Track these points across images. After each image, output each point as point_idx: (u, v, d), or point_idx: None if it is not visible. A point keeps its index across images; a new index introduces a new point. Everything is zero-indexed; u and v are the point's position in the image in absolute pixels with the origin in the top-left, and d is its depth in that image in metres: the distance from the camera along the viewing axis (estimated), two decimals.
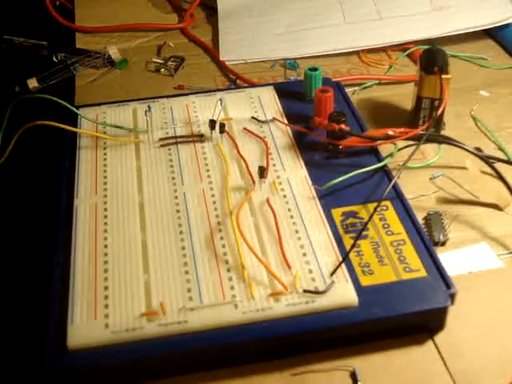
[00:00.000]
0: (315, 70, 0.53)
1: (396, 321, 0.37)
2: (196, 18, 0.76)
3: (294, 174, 0.46)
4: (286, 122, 0.51)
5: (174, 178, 0.46)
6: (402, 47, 0.67)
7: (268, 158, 0.47)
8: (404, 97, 0.59)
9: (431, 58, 0.52)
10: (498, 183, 0.47)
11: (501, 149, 0.53)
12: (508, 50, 0.67)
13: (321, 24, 0.69)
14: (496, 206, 0.48)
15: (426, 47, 0.54)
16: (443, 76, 0.51)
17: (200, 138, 0.50)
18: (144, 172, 0.47)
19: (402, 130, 0.49)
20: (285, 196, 0.44)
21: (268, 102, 0.54)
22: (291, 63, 0.65)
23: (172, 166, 0.47)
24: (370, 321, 0.37)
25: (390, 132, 0.48)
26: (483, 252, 0.44)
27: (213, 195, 0.45)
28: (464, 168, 0.50)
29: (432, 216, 0.46)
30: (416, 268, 0.39)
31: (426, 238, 0.41)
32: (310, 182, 0.45)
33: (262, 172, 0.45)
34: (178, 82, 0.63)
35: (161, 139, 0.50)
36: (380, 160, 0.47)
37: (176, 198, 0.45)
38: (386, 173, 0.46)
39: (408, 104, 0.57)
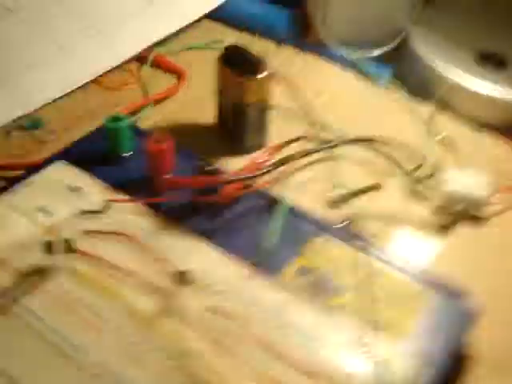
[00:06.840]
0: (119, 119, 0.40)
1: None
2: None
3: (207, 261, 0.35)
4: (125, 197, 0.38)
5: None
6: (136, 58, 0.57)
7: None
8: (189, 109, 0.50)
9: (235, 58, 0.44)
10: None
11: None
12: None
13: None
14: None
15: (229, 46, 0.45)
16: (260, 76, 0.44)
17: None
18: None
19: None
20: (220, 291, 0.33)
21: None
22: (30, 123, 0.49)
23: None
24: None
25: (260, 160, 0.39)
26: None
27: None
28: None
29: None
30: None
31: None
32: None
33: (183, 277, 0.32)
34: None
35: None
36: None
37: None
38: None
39: (202, 117, 0.49)
